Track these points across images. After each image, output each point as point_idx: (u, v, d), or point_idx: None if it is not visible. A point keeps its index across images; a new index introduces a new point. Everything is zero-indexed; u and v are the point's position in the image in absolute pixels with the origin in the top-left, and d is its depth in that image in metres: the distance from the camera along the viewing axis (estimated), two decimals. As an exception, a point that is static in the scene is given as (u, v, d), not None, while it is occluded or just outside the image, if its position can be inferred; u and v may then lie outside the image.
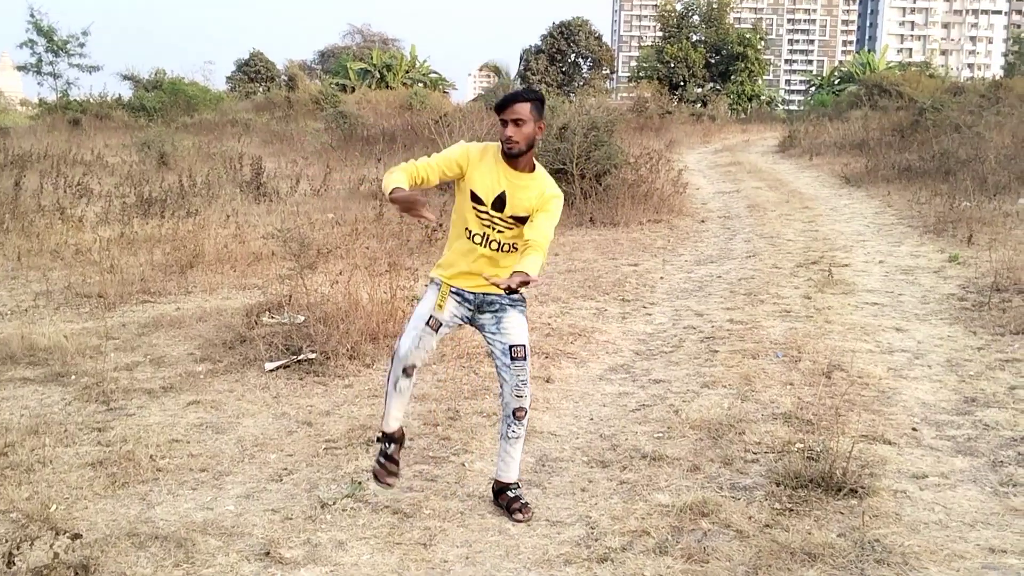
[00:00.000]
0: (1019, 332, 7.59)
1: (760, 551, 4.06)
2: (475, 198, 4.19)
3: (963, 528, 4.31)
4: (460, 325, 4.49)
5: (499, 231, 4.23)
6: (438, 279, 4.36)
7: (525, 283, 3.90)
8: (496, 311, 4.34)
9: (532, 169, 4.25)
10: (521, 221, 4.20)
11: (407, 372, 4.38)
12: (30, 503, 4.50)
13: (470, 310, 4.36)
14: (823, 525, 4.31)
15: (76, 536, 3.82)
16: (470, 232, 4.24)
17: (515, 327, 4.35)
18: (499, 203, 4.18)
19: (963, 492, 4.70)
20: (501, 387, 4.45)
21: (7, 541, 3.92)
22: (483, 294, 4.31)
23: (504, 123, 4.11)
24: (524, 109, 4.10)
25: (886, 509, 4.48)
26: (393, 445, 4.50)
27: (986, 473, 4.92)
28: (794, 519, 4.37)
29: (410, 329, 4.34)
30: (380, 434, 4.56)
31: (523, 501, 4.51)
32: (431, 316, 4.31)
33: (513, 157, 4.16)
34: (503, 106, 4.12)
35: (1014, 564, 3.95)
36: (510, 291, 4.05)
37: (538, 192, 4.24)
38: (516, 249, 4.26)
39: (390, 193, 3.92)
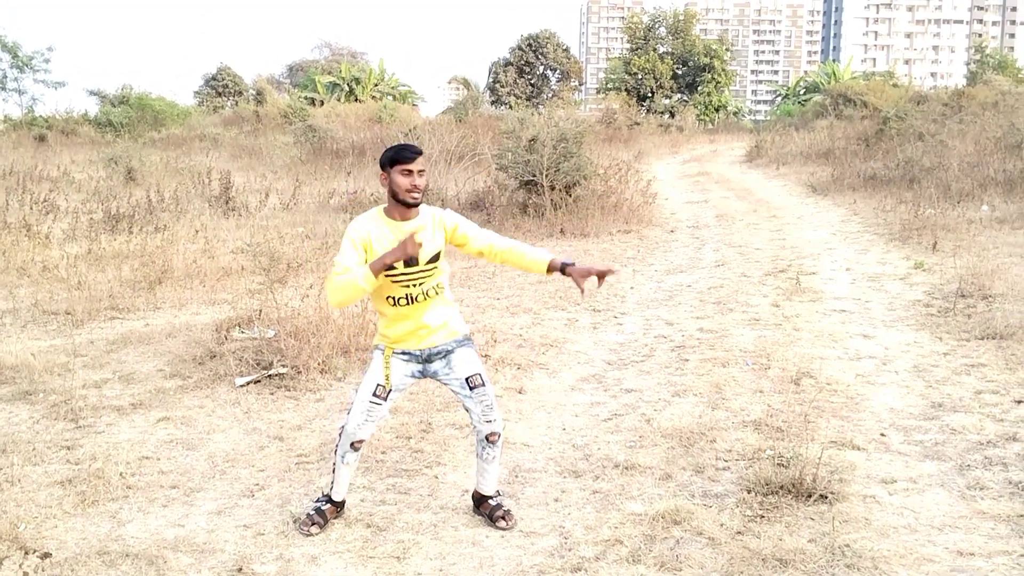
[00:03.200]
0: (984, 337, 7.67)
1: (732, 558, 4.08)
2: (390, 267, 4.16)
3: (932, 532, 4.34)
4: (414, 382, 4.51)
5: (420, 283, 4.24)
6: (382, 344, 4.39)
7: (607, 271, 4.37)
8: (444, 355, 4.38)
9: (418, 211, 4.29)
10: (435, 259, 4.25)
11: (355, 446, 4.40)
12: (-2, 523, 4.45)
13: (419, 363, 4.38)
14: (794, 531, 4.34)
15: (46, 555, 3.79)
16: (395, 299, 4.25)
17: (465, 361, 4.39)
18: (411, 259, 4.16)
19: (931, 496, 4.73)
20: (470, 417, 4.46)
21: (-25, 562, 3.88)
22: (428, 349, 4.35)
23: (408, 173, 4.11)
24: (422, 160, 4.17)
25: (856, 514, 4.51)
26: (330, 505, 4.52)
27: (954, 477, 4.97)
28: (765, 525, 4.40)
29: (358, 404, 4.33)
30: (325, 496, 4.56)
31: (506, 508, 4.54)
32: (378, 386, 4.33)
33: (415, 206, 4.20)
34: (406, 157, 4.12)
35: (982, 567, 3.99)
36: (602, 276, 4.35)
37: (436, 223, 4.31)
38: (439, 286, 4.31)
39: (372, 270, 4.05)
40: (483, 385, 4.39)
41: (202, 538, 4.36)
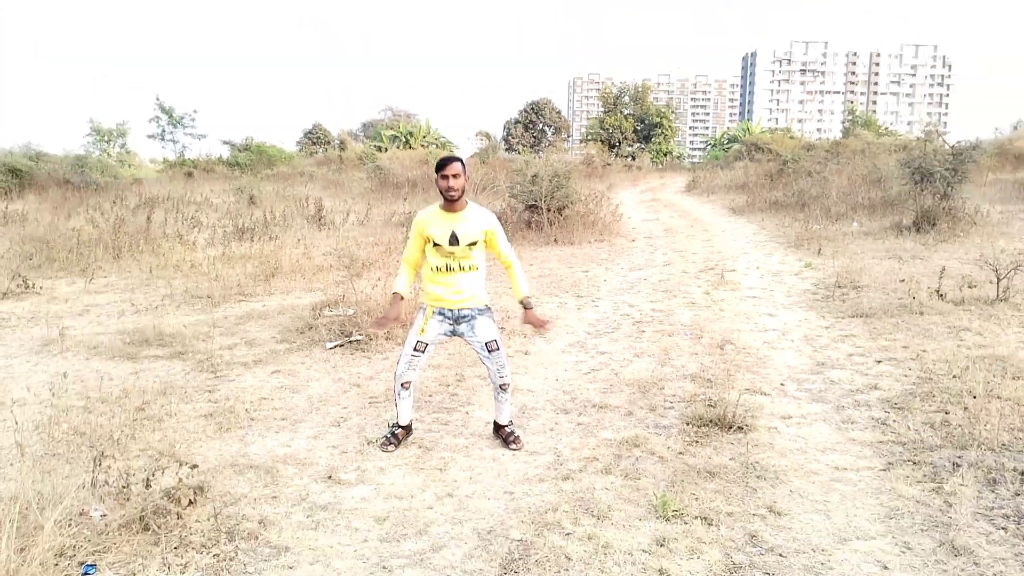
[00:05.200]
0: (854, 316, 7.64)
1: (676, 471, 4.09)
2: (435, 244, 4.22)
3: (817, 453, 4.34)
4: (446, 339, 4.48)
5: (460, 257, 4.25)
6: (424, 304, 4.38)
7: (543, 324, 4.36)
8: (469, 320, 4.35)
9: (466, 206, 4.29)
10: (473, 244, 4.25)
11: (404, 386, 4.42)
12: (161, 444, 4.48)
13: (451, 324, 4.35)
14: (719, 452, 4.34)
15: (194, 466, 3.81)
16: (437, 267, 4.26)
17: (485, 328, 4.37)
18: (453, 240, 4.21)
19: (816, 428, 4.73)
20: (488, 372, 4.46)
21: (146, 471, 3.91)
22: (459, 310, 4.32)
23: (445, 177, 4.14)
24: (457, 167, 4.16)
25: (763, 440, 4.51)
26: (400, 430, 4.50)
27: (832, 415, 4.96)
28: (699, 448, 4.40)
29: (404, 355, 4.37)
30: (395, 424, 4.55)
31: (516, 435, 4.56)
32: (417, 341, 4.33)
33: (454, 201, 4.20)
34: (443, 166, 4.15)
35: (852, 478, 4.00)
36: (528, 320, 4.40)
37: (478, 220, 4.29)
38: (472, 266, 4.30)
39: (392, 300, 4.34)
40: (498, 349, 4.39)
41: (303, 455, 4.39)
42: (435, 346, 4.43)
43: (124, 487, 3.63)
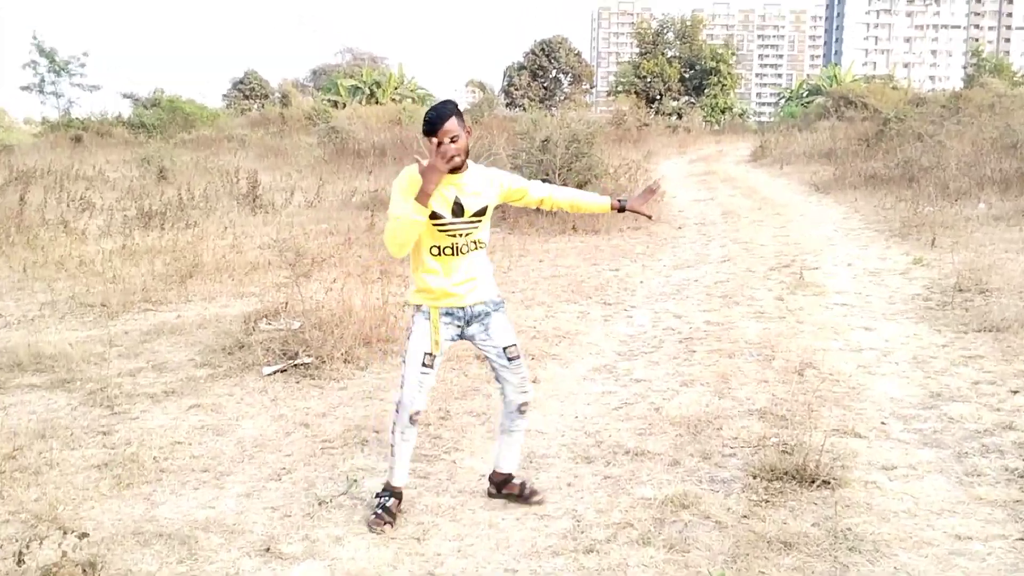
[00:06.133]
0: (981, 330, 7.62)
1: (738, 541, 4.07)
2: (434, 216, 4.09)
3: (931, 516, 4.32)
4: (452, 346, 4.39)
5: (466, 233, 4.18)
6: (426, 307, 4.24)
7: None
8: (483, 319, 4.30)
9: (466, 166, 4.19)
10: (482, 213, 4.21)
11: (413, 420, 4.29)
12: (38, 504, 4.48)
13: (459, 327, 4.28)
14: (798, 515, 4.33)
15: (83, 535, 3.80)
16: (439, 249, 4.17)
17: (502, 329, 4.34)
18: (458, 209, 4.14)
19: (930, 482, 4.72)
20: (503, 387, 4.42)
21: (17, 540, 3.91)
22: (471, 307, 4.26)
23: (439, 144, 3.98)
24: (453, 124, 3.99)
25: (857, 499, 4.49)
26: (393, 500, 4.39)
27: (952, 464, 4.95)
28: (770, 510, 4.39)
29: (409, 376, 4.23)
30: (385, 488, 4.42)
31: (531, 486, 4.57)
32: (425, 354, 4.22)
33: (458, 169, 4.12)
34: (433, 128, 3.99)
35: (979, 550, 3.98)
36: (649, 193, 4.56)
37: (483, 178, 4.25)
38: (481, 242, 4.26)
39: (419, 200, 3.99)
40: (519, 357, 4.37)
41: (231, 519, 4.38)
42: (443, 356, 4.36)
43: (-12, 563, 3.63)
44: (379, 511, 4.35)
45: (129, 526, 4.28)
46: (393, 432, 4.34)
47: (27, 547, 3.69)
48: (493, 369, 4.43)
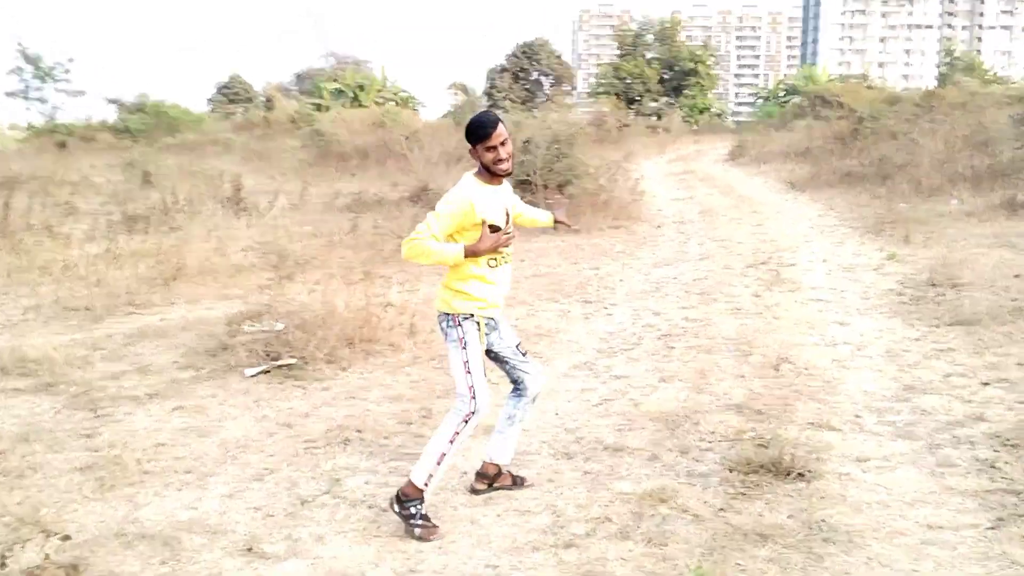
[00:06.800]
0: (953, 324, 7.68)
1: (715, 533, 4.09)
2: (493, 228, 4.13)
3: (903, 507, 4.35)
4: None
5: (511, 242, 4.25)
6: (473, 315, 4.19)
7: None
8: (497, 324, 4.35)
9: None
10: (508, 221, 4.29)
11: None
12: (21, 507, 4.44)
13: (487, 333, 4.30)
14: (773, 507, 4.34)
15: (66, 537, 3.79)
16: (496, 260, 4.20)
17: (508, 329, 4.45)
18: (507, 217, 4.25)
19: (903, 474, 4.75)
20: (522, 382, 4.49)
21: (1, 544, 3.87)
22: (499, 314, 4.35)
23: (492, 148, 4.04)
24: (504, 130, 4.08)
25: (832, 491, 4.52)
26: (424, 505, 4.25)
27: (924, 455, 4.98)
28: (746, 502, 4.40)
29: (480, 386, 4.17)
30: (417, 497, 4.20)
31: (518, 474, 4.72)
32: (484, 360, 4.27)
33: (507, 175, 4.17)
34: (485, 134, 4.04)
35: (950, 539, 4.00)
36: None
37: (509, 189, 4.39)
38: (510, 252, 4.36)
39: (466, 253, 4.08)
40: (527, 350, 4.52)
41: (214, 520, 4.36)
42: None
43: (-30, 567, 3.60)
44: (421, 522, 4.19)
45: (112, 528, 4.25)
46: (452, 441, 4.19)
47: (10, 550, 3.67)
48: (509, 369, 4.47)
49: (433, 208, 4.18)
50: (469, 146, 4.14)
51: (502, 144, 4.06)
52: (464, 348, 4.19)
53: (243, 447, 5.35)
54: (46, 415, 5.95)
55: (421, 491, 4.19)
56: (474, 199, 4.08)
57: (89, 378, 6.70)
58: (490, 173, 4.15)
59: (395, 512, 4.23)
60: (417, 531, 4.15)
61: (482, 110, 4.36)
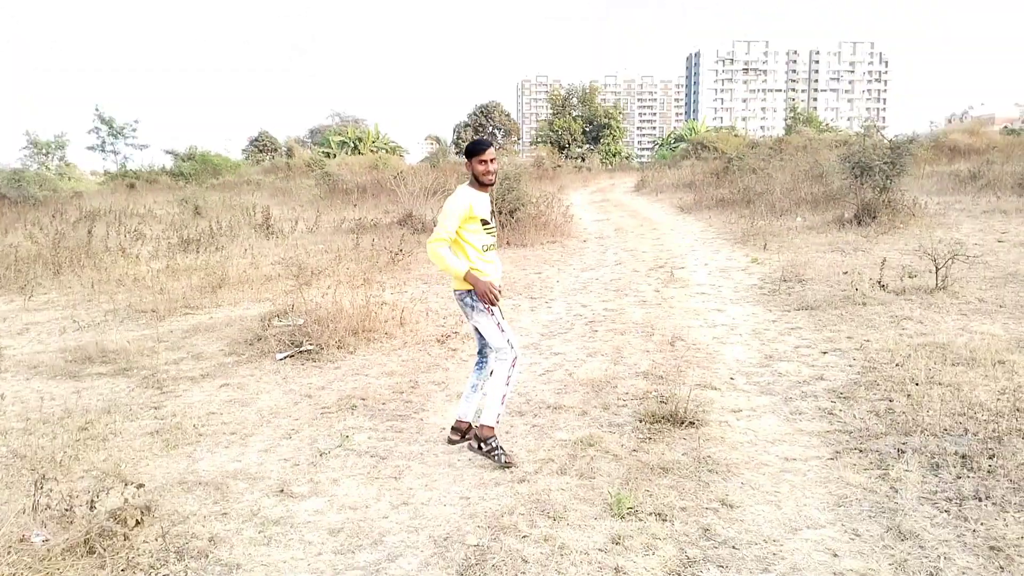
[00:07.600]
0: (800, 309, 7.80)
1: (630, 468, 4.12)
2: (484, 222, 4.16)
3: (767, 445, 4.41)
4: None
5: (495, 234, 4.28)
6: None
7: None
8: None
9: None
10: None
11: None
12: (106, 463, 4.36)
13: None
14: (672, 448, 4.38)
15: (140, 486, 3.71)
16: (486, 246, 4.20)
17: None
18: (493, 216, 4.27)
19: (766, 420, 4.81)
20: (483, 353, 4.49)
21: (90, 492, 3.79)
22: None
23: (483, 162, 4.11)
24: (493, 152, 4.16)
25: (714, 435, 4.57)
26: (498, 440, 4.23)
27: (781, 406, 5.05)
28: (652, 444, 4.44)
29: (511, 331, 4.20)
30: (496, 438, 4.24)
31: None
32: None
33: (491, 185, 4.20)
34: (480, 151, 4.11)
35: (801, 468, 4.07)
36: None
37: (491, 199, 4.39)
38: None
39: (467, 279, 4.06)
40: None
41: (254, 469, 4.30)
42: None
43: (67, 510, 3.51)
44: (501, 451, 4.21)
45: (175, 477, 4.18)
46: (507, 383, 4.18)
47: (98, 496, 3.58)
48: (483, 343, 4.45)
49: (434, 218, 4.23)
50: (466, 160, 4.18)
51: (491, 160, 4.14)
52: (492, 314, 4.17)
53: (275, 413, 5.28)
54: (123, 393, 5.83)
55: (493, 428, 4.23)
56: (472, 201, 4.12)
57: (155, 364, 6.57)
58: (479, 183, 4.18)
59: (479, 451, 4.25)
60: (503, 459, 4.18)
61: (479, 138, 4.37)
